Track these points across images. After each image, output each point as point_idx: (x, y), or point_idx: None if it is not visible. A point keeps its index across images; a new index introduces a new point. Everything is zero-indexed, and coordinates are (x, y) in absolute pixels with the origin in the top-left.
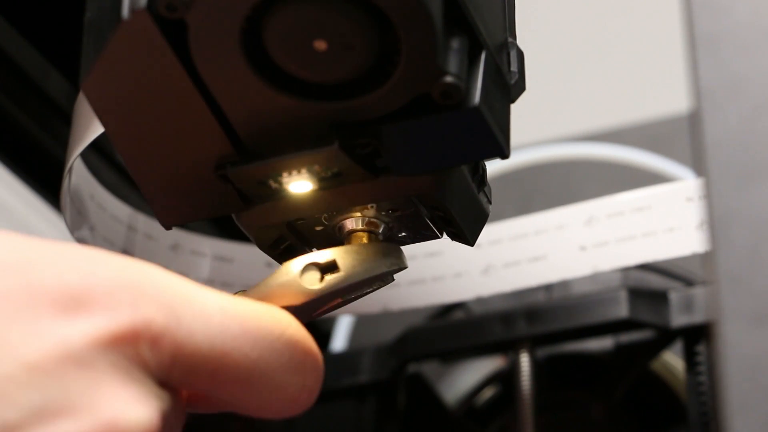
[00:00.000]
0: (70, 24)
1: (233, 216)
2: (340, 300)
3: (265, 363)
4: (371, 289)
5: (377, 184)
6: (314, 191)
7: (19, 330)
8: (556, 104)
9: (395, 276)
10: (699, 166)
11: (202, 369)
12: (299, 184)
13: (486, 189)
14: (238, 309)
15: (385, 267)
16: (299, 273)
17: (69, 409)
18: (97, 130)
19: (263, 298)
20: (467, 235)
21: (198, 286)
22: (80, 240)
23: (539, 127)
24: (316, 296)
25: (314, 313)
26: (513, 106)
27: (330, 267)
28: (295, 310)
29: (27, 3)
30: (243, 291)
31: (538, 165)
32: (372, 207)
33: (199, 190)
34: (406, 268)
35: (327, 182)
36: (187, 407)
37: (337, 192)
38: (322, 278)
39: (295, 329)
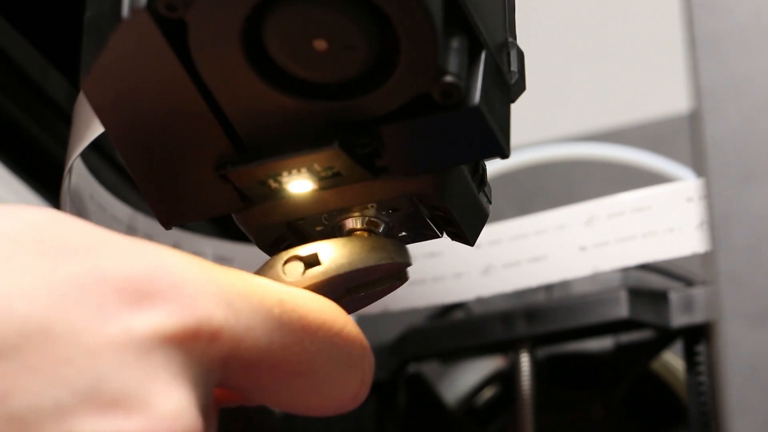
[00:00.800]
0: (70, 24)
1: (233, 216)
2: (348, 298)
3: (326, 357)
4: (382, 287)
5: (377, 183)
6: (314, 191)
7: (84, 315)
8: (556, 104)
9: None
10: (699, 166)
11: (262, 364)
12: (299, 184)
13: (486, 189)
14: (298, 302)
15: (371, 261)
16: (282, 265)
17: (121, 401)
18: (97, 130)
19: None
20: (467, 235)
21: (257, 279)
22: None
23: (539, 127)
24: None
25: None
26: (513, 106)
27: (312, 260)
28: None
29: (27, 3)
30: None
31: (538, 165)
32: (372, 207)
33: (199, 190)
34: (401, 262)
35: (327, 182)
36: (232, 401)
37: (337, 192)
38: (304, 271)
39: (352, 325)
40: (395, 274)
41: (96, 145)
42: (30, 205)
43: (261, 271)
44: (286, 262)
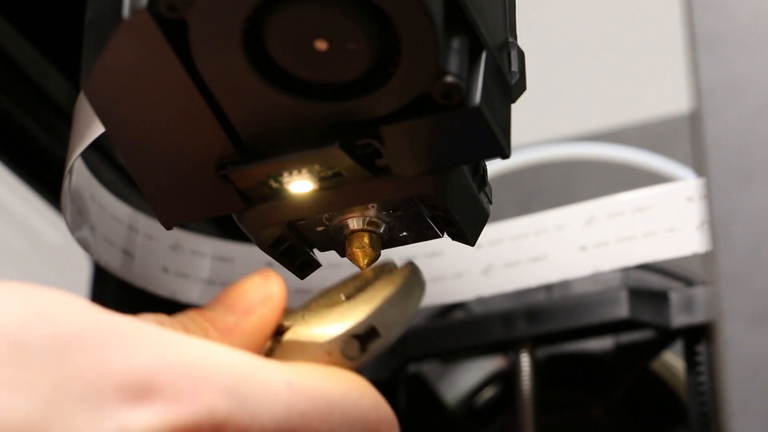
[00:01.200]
0: (70, 24)
1: (234, 216)
2: None
3: (339, 430)
4: None
5: (378, 184)
6: (315, 191)
7: (84, 411)
8: (556, 104)
9: None
10: (699, 166)
11: None
12: (300, 184)
13: (487, 189)
14: (306, 383)
15: (415, 306)
16: (339, 348)
17: None
18: (97, 130)
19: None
20: (468, 235)
21: (264, 362)
22: (81, 240)
23: (539, 127)
24: (360, 365)
25: None
26: (513, 106)
27: (370, 334)
28: None
29: (27, 3)
30: None
31: (538, 165)
32: (373, 207)
33: (199, 190)
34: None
35: (327, 182)
36: None
37: (337, 192)
38: (363, 348)
39: (369, 397)
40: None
41: (96, 145)
42: (41, 287)
43: (315, 357)
44: (344, 345)
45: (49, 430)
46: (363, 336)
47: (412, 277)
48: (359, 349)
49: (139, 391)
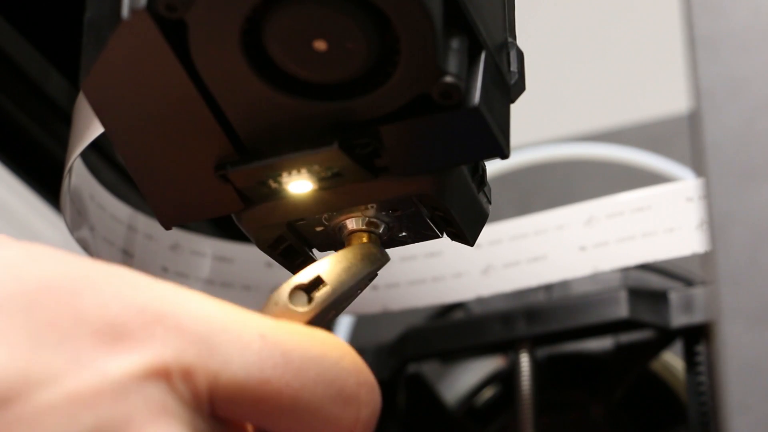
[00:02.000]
0: (70, 24)
1: (233, 216)
2: (334, 312)
3: (311, 393)
4: (358, 294)
5: (377, 184)
6: (314, 191)
7: (61, 361)
8: (556, 104)
9: (395, 276)
10: (699, 167)
11: (242, 399)
12: (299, 184)
13: (486, 189)
14: (282, 337)
15: (369, 267)
16: (287, 300)
17: None
18: (97, 130)
19: None
20: (467, 235)
21: (239, 313)
22: (80, 240)
23: (539, 127)
24: (310, 318)
25: None
26: (513, 106)
27: (315, 284)
28: None
29: (27, 3)
30: None
31: (538, 165)
32: (372, 207)
33: (199, 190)
34: (388, 260)
35: (327, 182)
36: None
37: (337, 192)
38: (310, 299)
39: (349, 361)
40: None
41: (96, 145)
42: (7, 240)
43: (266, 310)
44: (290, 296)
45: (30, 381)
46: (308, 286)
47: (367, 244)
48: (306, 300)
49: (114, 337)
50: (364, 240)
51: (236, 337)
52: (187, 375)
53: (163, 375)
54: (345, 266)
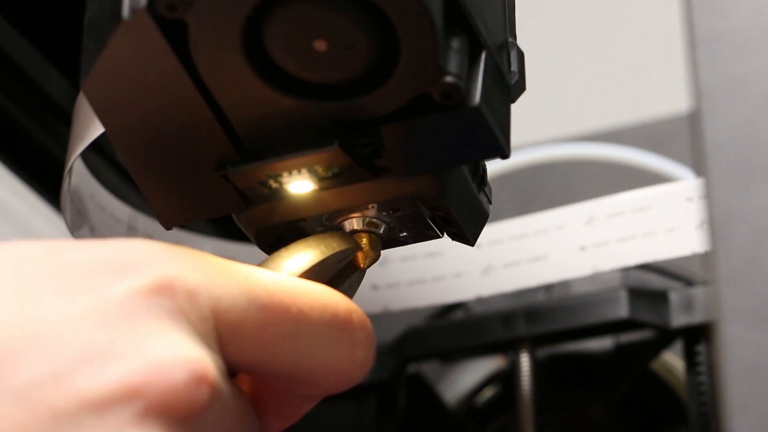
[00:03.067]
0: (70, 24)
1: (234, 216)
2: None
3: (309, 318)
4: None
5: (377, 184)
6: (314, 191)
7: (59, 294)
8: (556, 104)
9: (395, 276)
10: (699, 166)
11: (245, 325)
12: (299, 184)
13: (486, 189)
14: (271, 274)
15: (315, 258)
16: None
17: (115, 355)
18: (97, 130)
19: None
20: (468, 235)
21: (240, 265)
22: (80, 240)
23: (539, 127)
24: None
25: None
26: (513, 106)
27: None
28: None
29: (27, 3)
30: None
31: (538, 165)
32: (373, 207)
33: (199, 190)
34: (350, 248)
35: (327, 182)
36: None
37: (337, 192)
38: None
39: (335, 292)
40: (352, 264)
41: (96, 145)
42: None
43: None
44: None
45: (31, 316)
46: None
47: (319, 238)
48: None
49: (110, 271)
50: (365, 241)
51: (233, 270)
52: (191, 294)
53: (167, 290)
54: (287, 259)
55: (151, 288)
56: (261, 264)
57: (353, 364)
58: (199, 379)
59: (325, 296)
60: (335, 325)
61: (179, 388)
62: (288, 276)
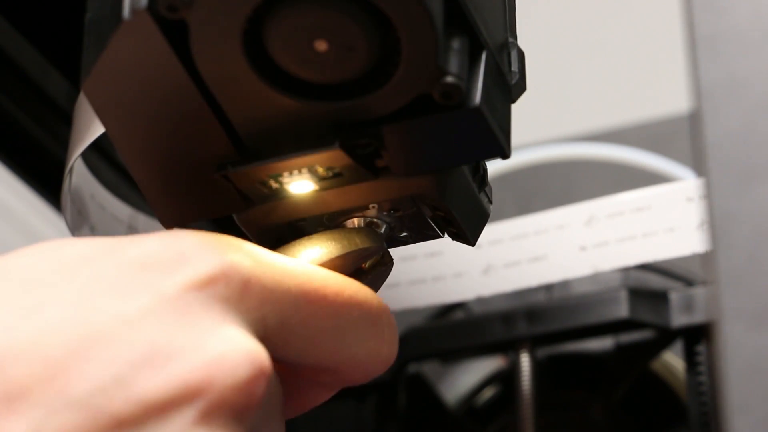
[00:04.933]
0: (70, 24)
1: (234, 216)
2: None
3: (348, 313)
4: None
5: (378, 184)
6: (315, 192)
7: (115, 294)
8: (556, 104)
9: (395, 276)
10: (699, 166)
11: (292, 318)
12: (300, 184)
13: (487, 189)
14: (317, 267)
15: (337, 251)
16: None
17: (175, 352)
18: (97, 130)
19: None
20: (468, 235)
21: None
22: None
23: (539, 127)
24: None
25: None
26: (513, 106)
27: None
28: None
29: (27, 3)
30: None
31: (538, 165)
32: (373, 207)
33: (200, 190)
34: (374, 246)
35: (328, 182)
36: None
37: (338, 192)
38: None
39: (378, 302)
40: (377, 260)
41: (96, 145)
42: (53, 240)
43: None
44: None
45: (90, 318)
46: None
47: (343, 233)
48: None
49: (164, 264)
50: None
51: (283, 260)
52: (244, 285)
53: (221, 281)
54: (307, 248)
55: (205, 280)
56: (281, 250)
57: (379, 359)
58: (259, 373)
59: (361, 292)
60: (369, 320)
61: (241, 383)
62: (331, 273)
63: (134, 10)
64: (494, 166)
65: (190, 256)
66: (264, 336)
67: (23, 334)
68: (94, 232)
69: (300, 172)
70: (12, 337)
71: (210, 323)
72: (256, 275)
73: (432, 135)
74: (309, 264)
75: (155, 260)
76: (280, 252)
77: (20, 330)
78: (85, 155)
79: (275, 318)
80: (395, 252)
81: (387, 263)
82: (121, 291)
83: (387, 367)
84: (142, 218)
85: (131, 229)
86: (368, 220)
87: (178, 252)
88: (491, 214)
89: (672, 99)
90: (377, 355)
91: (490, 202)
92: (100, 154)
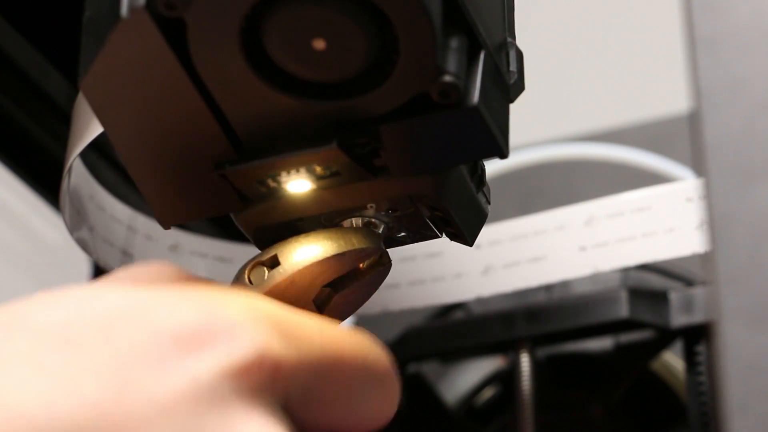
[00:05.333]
0: (70, 24)
1: (232, 216)
2: (337, 296)
3: (362, 377)
4: (366, 277)
5: (376, 183)
6: (313, 191)
7: (149, 371)
8: (556, 104)
9: (395, 277)
10: (699, 167)
11: (314, 392)
12: (298, 184)
13: (485, 189)
14: (334, 329)
15: (331, 251)
16: (247, 274)
17: None
18: (96, 129)
19: None
20: (466, 236)
21: (292, 309)
22: (79, 240)
23: (539, 127)
24: (264, 294)
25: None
26: (514, 106)
27: (273, 262)
28: None
29: (27, 3)
30: None
31: (538, 165)
32: (371, 207)
33: (198, 189)
34: (366, 248)
35: (326, 182)
36: None
37: (335, 192)
38: (266, 276)
39: (376, 347)
40: (375, 260)
41: (96, 145)
42: (75, 288)
43: (235, 283)
44: (251, 270)
45: (125, 399)
46: (267, 262)
47: (342, 230)
48: (263, 276)
49: (197, 341)
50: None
51: (305, 327)
52: (277, 368)
53: (256, 369)
54: (303, 247)
55: (240, 368)
56: (277, 247)
57: (382, 416)
58: None
59: (373, 353)
60: (378, 382)
61: None
62: (342, 330)
63: (132, 9)
64: (494, 166)
65: (223, 335)
66: (285, 406)
67: (63, 410)
68: (93, 232)
69: (298, 171)
70: (52, 412)
71: (242, 414)
72: (286, 358)
73: (430, 134)
74: (326, 325)
75: (188, 335)
76: (276, 250)
77: (59, 404)
78: (85, 155)
79: (298, 391)
80: (395, 252)
81: (385, 264)
82: (155, 368)
83: (388, 422)
84: (141, 219)
85: (130, 230)
86: (366, 220)
87: (211, 328)
88: (491, 214)
89: (672, 99)
90: (380, 412)
91: (488, 203)
92: (100, 154)
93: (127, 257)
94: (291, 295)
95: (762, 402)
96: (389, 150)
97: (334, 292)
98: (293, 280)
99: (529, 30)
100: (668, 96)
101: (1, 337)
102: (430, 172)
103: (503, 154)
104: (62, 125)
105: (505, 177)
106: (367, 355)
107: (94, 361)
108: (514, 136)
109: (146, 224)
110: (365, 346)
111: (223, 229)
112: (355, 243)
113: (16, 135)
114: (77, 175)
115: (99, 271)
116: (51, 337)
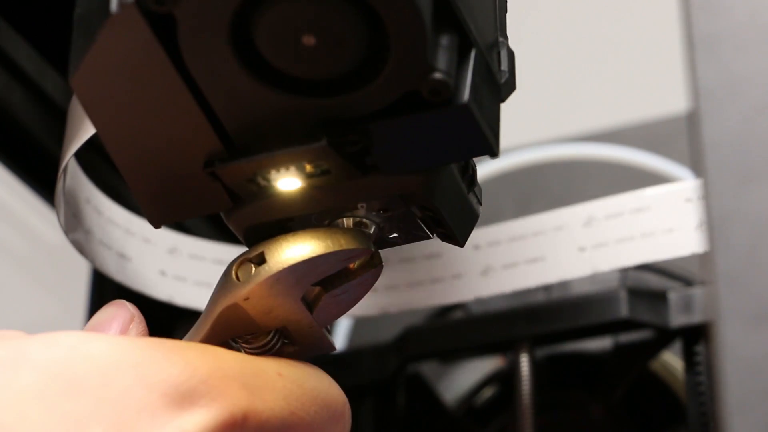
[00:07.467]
0: (68, 24)
1: (222, 215)
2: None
3: (320, 417)
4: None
5: (366, 182)
6: (303, 189)
7: (145, 423)
8: (555, 104)
9: (394, 278)
10: (698, 167)
11: (283, 429)
12: (288, 182)
13: (476, 190)
14: (292, 371)
15: (319, 250)
16: (234, 271)
17: None
18: (91, 129)
19: (212, 302)
20: (457, 236)
21: (252, 357)
22: (75, 242)
23: (539, 127)
24: (248, 291)
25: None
26: (513, 107)
27: (260, 259)
28: (247, 310)
29: (27, 3)
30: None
31: (538, 165)
32: (362, 207)
33: (188, 187)
34: (355, 248)
35: (316, 180)
36: None
37: (325, 190)
38: (253, 272)
39: (334, 386)
40: (366, 261)
41: (96, 145)
42: (67, 331)
43: (223, 279)
44: (238, 267)
45: None
46: (253, 260)
47: (333, 230)
48: (250, 273)
49: (182, 398)
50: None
51: (265, 379)
52: (245, 420)
53: (230, 425)
54: (291, 245)
55: (219, 426)
56: (265, 244)
57: None
58: None
59: (330, 391)
60: (335, 419)
61: None
62: (298, 365)
63: (122, 4)
64: (494, 166)
65: (204, 393)
66: None
67: None
68: (89, 236)
69: (288, 169)
70: None
71: None
72: (252, 406)
73: (420, 132)
74: (284, 368)
75: (176, 391)
76: (264, 247)
77: None
78: (85, 156)
79: None
80: (394, 253)
81: (376, 265)
82: (150, 422)
83: None
84: (138, 222)
85: (128, 233)
86: (357, 220)
87: (195, 386)
88: (490, 215)
89: (670, 99)
90: None
91: (480, 203)
92: (100, 155)
93: (124, 260)
94: (277, 292)
95: (761, 402)
96: (379, 148)
97: (324, 292)
98: (279, 277)
99: (529, 30)
100: (667, 96)
101: (7, 369)
102: (421, 171)
103: (494, 152)
104: (62, 125)
105: (504, 177)
106: (327, 393)
107: (98, 408)
108: (513, 136)
109: (144, 227)
110: (325, 384)
111: (222, 231)
112: (343, 243)
113: (16, 135)
114: (73, 177)
115: (99, 272)
116: (56, 377)
